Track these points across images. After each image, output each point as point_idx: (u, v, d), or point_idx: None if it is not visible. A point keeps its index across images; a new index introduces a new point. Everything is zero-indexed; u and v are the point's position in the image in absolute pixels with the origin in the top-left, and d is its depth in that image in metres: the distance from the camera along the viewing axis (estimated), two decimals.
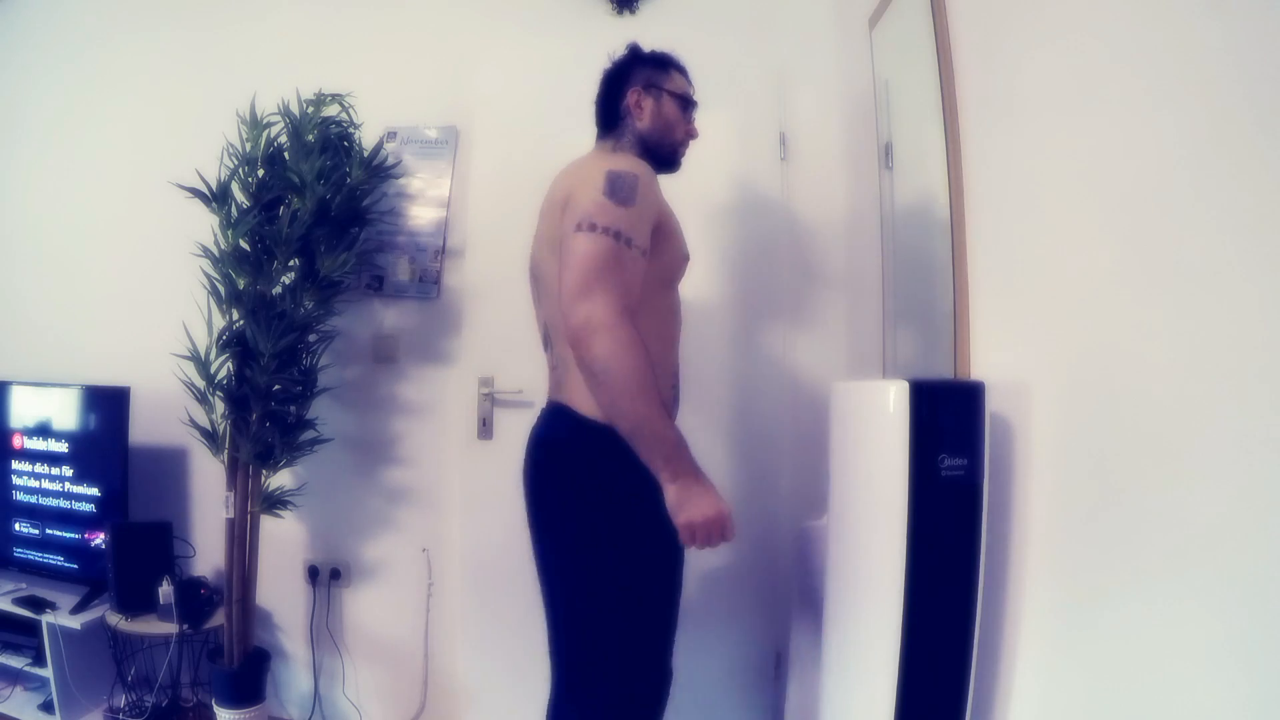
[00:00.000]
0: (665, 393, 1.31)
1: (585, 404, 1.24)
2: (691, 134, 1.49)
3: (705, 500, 1.16)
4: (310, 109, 1.95)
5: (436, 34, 2.21)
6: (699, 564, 1.99)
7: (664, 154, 1.45)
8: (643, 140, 1.43)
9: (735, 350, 2.03)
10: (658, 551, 1.26)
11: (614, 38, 2.11)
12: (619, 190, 1.23)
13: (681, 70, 1.51)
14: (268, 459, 1.91)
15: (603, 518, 1.24)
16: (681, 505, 1.16)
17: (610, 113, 1.46)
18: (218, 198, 1.88)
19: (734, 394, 2.02)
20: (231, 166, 1.91)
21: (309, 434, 1.98)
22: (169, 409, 2.00)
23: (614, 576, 1.25)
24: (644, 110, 1.43)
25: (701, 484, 1.18)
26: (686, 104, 1.47)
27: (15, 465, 2.24)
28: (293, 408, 1.95)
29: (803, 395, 1.99)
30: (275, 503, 1.97)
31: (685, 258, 1.39)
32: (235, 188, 1.91)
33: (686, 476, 1.16)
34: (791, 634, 1.73)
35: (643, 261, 1.22)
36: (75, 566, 2.14)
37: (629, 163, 1.31)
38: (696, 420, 2.01)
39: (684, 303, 2.04)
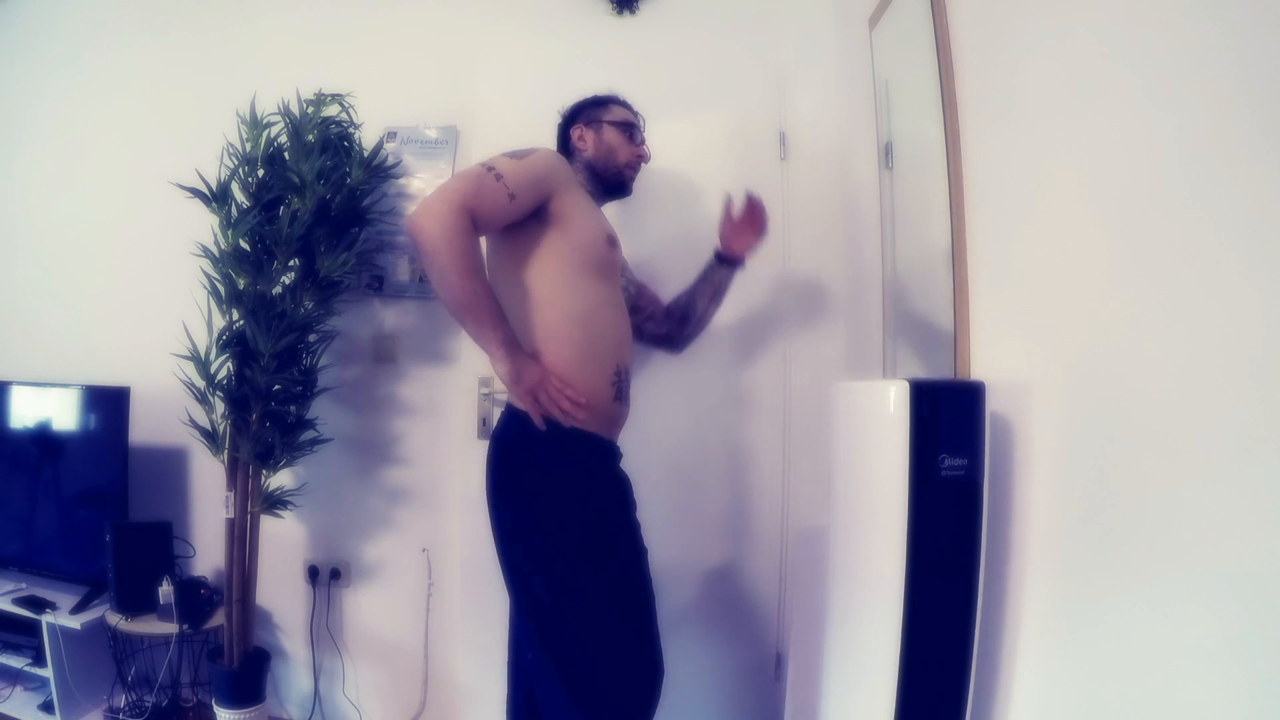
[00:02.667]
0: (607, 384, 1.41)
1: None
2: (641, 155, 1.64)
3: (534, 367, 1.33)
4: (310, 109, 1.95)
5: (436, 34, 2.21)
6: (700, 565, 2.00)
7: (610, 177, 1.61)
8: (589, 167, 1.60)
9: (735, 350, 2.03)
10: (600, 540, 1.35)
11: (614, 38, 2.14)
12: (515, 151, 1.40)
13: (622, 104, 1.66)
14: (268, 459, 1.91)
15: (545, 509, 1.33)
16: (518, 375, 1.31)
17: (566, 151, 1.63)
18: (218, 198, 1.88)
19: (734, 394, 2.02)
20: (231, 166, 1.91)
21: (309, 434, 1.98)
22: (169, 409, 2.00)
23: (561, 565, 1.32)
24: (586, 142, 1.61)
25: (529, 357, 1.34)
26: (628, 128, 1.62)
27: (15, 465, 2.24)
28: (293, 408, 1.95)
29: (803, 396, 1.99)
30: (275, 503, 1.97)
31: (612, 242, 1.47)
32: (235, 188, 1.91)
33: (516, 350, 1.32)
34: (791, 634, 1.73)
35: (504, 196, 1.33)
36: (75, 566, 2.14)
37: (547, 148, 1.48)
38: (696, 420, 2.01)
39: None
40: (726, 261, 1.76)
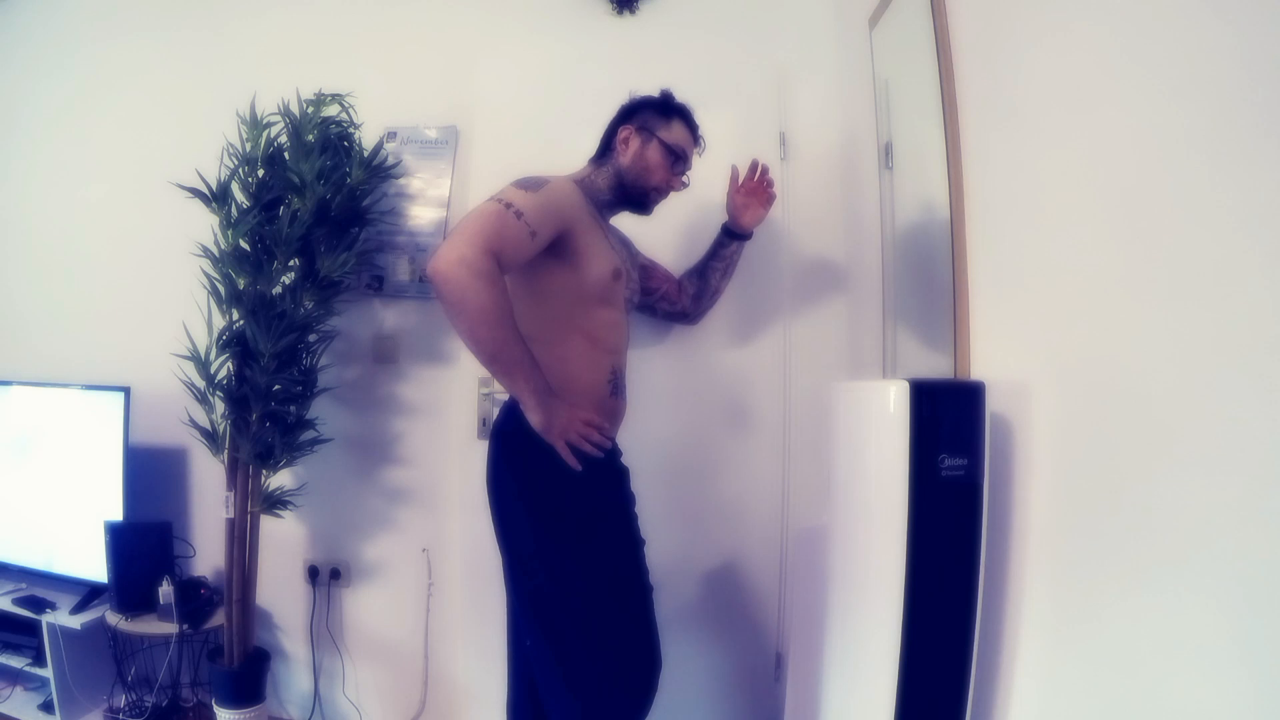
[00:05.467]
0: (604, 381, 1.44)
1: None
2: (674, 185, 1.56)
3: (565, 410, 1.31)
4: (310, 109, 1.94)
5: (436, 34, 2.21)
6: (700, 564, 2.00)
7: (635, 194, 1.54)
8: (619, 175, 1.52)
9: (736, 350, 2.03)
10: (598, 529, 1.37)
11: (614, 38, 2.14)
12: (526, 182, 1.35)
13: (687, 121, 1.57)
14: (268, 459, 1.91)
15: (545, 499, 1.34)
16: (551, 423, 1.29)
17: (606, 142, 1.56)
18: (218, 198, 1.88)
19: (734, 394, 2.02)
20: (231, 166, 1.91)
21: (309, 434, 1.98)
22: (169, 409, 2.00)
23: (560, 553, 1.33)
24: (628, 148, 1.52)
25: (557, 399, 1.31)
26: (675, 156, 1.54)
27: (15, 465, 2.24)
28: (293, 408, 1.95)
29: (803, 395, 1.99)
30: (275, 503, 1.97)
31: (616, 275, 1.45)
32: (235, 188, 1.91)
33: (547, 398, 1.29)
34: (791, 634, 1.73)
35: (526, 234, 1.28)
36: (75, 567, 2.13)
37: (557, 177, 1.42)
38: (696, 420, 2.01)
39: None
40: (736, 236, 1.77)
